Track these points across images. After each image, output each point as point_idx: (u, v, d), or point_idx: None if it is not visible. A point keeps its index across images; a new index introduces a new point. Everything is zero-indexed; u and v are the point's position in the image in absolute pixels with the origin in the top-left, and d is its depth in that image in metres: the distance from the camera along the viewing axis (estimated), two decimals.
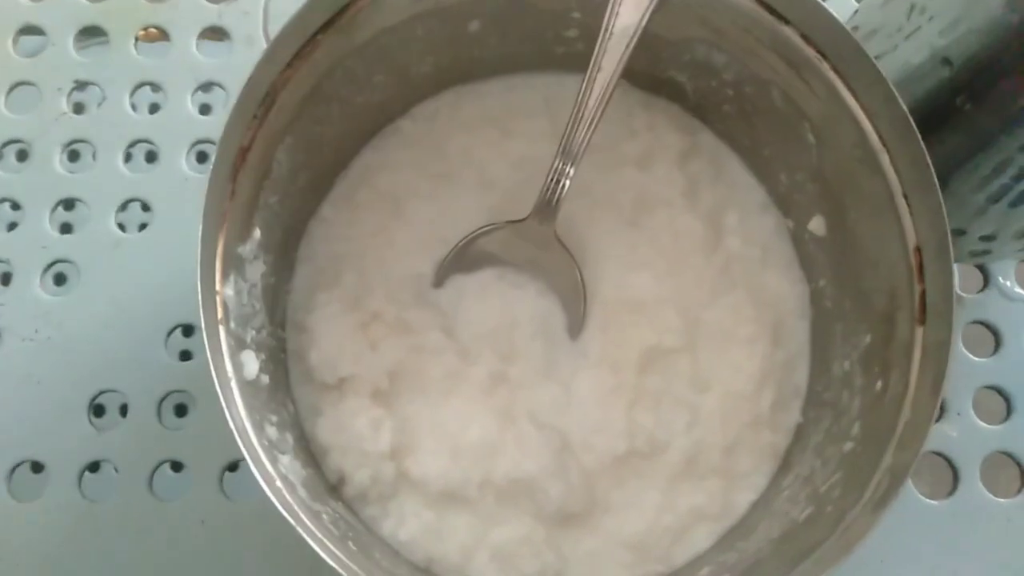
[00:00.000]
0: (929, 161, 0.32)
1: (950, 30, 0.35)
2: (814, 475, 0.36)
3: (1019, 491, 0.45)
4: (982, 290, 0.49)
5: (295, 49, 0.34)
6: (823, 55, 0.35)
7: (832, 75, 0.35)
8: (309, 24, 0.34)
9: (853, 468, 0.33)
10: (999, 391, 0.47)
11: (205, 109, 0.52)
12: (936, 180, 0.32)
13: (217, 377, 0.30)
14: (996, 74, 0.33)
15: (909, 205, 0.33)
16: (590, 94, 0.38)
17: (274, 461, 0.32)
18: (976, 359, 0.47)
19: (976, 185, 0.39)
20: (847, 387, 0.38)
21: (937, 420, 0.47)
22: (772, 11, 0.36)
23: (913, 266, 0.33)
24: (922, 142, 0.32)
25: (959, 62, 0.35)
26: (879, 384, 0.35)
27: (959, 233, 0.43)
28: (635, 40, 0.36)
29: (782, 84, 0.38)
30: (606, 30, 0.36)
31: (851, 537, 0.29)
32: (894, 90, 0.33)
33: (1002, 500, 0.45)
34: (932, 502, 0.45)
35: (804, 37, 0.36)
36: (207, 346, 0.31)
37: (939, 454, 0.46)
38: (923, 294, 0.32)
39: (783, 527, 0.35)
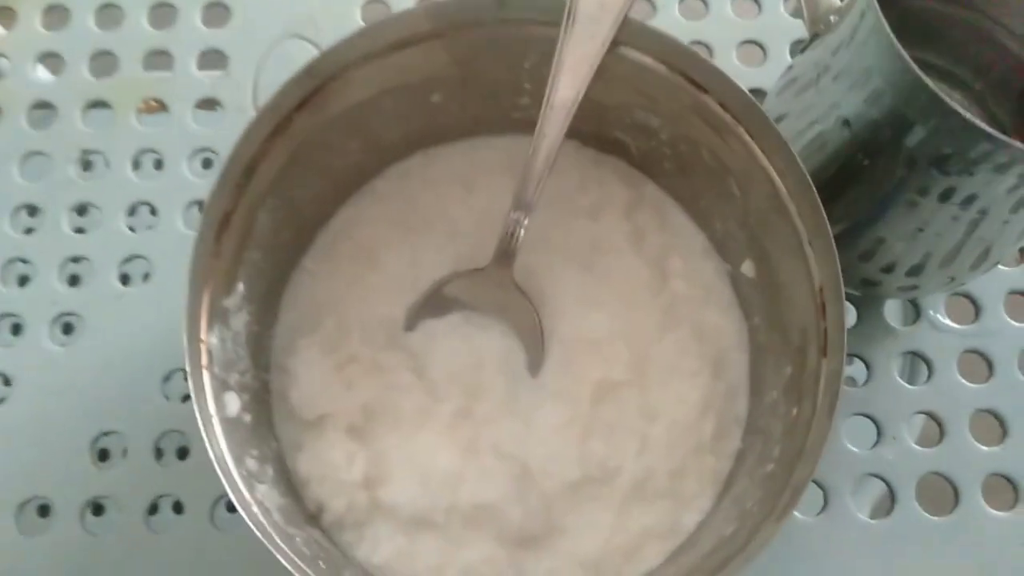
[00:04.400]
0: (824, 214, 0.37)
1: (847, 95, 0.39)
2: (744, 495, 0.40)
3: (952, 510, 0.48)
4: (914, 323, 0.53)
5: (271, 128, 0.39)
6: (737, 120, 0.40)
7: (747, 137, 0.40)
8: (283, 106, 0.39)
9: (771, 487, 0.37)
10: (931, 416, 0.50)
11: (202, 172, 0.56)
12: (830, 230, 0.36)
13: (200, 414, 0.35)
14: (882, 141, 0.38)
15: (813, 251, 0.38)
16: (537, 157, 0.42)
17: (251, 489, 0.36)
18: (910, 387, 0.51)
19: (892, 227, 0.43)
20: (774, 414, 0.41)
21: (874, 445, 0.51)
22: (693, 82, 0.40)
23: (818, 305, 0.37)
24: (818, 198, 0.37)
25: (855, 124, 0.39)
26: (795, 410, 0.38)
27: (887, 270, 0.47)
28: (573, 111, 0.41)
29: (708, 144, 0.43)
30: (547, 102, 0.41)
31: (753, 548, 0.33)
32: (795, 153, 0.38)
33: (937, 519, 0.48)
34: (871, 521, 0.48)
35: (721, 105, 0.40)
36: (191, 387, 0.35)
37: (877, 476, 0.49)
38: (825, 330, 0.36)
39: (713, 543, 0.39)
